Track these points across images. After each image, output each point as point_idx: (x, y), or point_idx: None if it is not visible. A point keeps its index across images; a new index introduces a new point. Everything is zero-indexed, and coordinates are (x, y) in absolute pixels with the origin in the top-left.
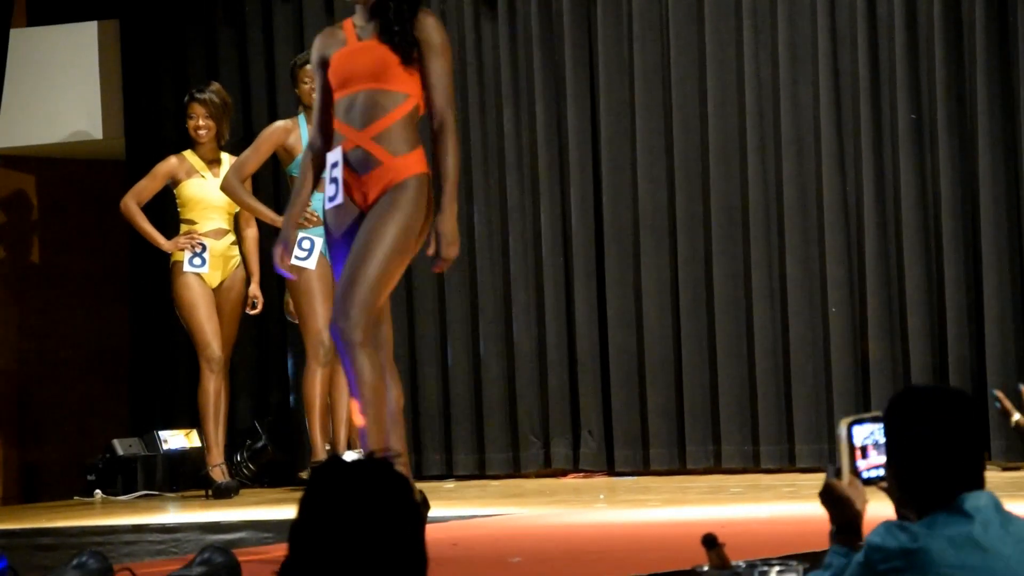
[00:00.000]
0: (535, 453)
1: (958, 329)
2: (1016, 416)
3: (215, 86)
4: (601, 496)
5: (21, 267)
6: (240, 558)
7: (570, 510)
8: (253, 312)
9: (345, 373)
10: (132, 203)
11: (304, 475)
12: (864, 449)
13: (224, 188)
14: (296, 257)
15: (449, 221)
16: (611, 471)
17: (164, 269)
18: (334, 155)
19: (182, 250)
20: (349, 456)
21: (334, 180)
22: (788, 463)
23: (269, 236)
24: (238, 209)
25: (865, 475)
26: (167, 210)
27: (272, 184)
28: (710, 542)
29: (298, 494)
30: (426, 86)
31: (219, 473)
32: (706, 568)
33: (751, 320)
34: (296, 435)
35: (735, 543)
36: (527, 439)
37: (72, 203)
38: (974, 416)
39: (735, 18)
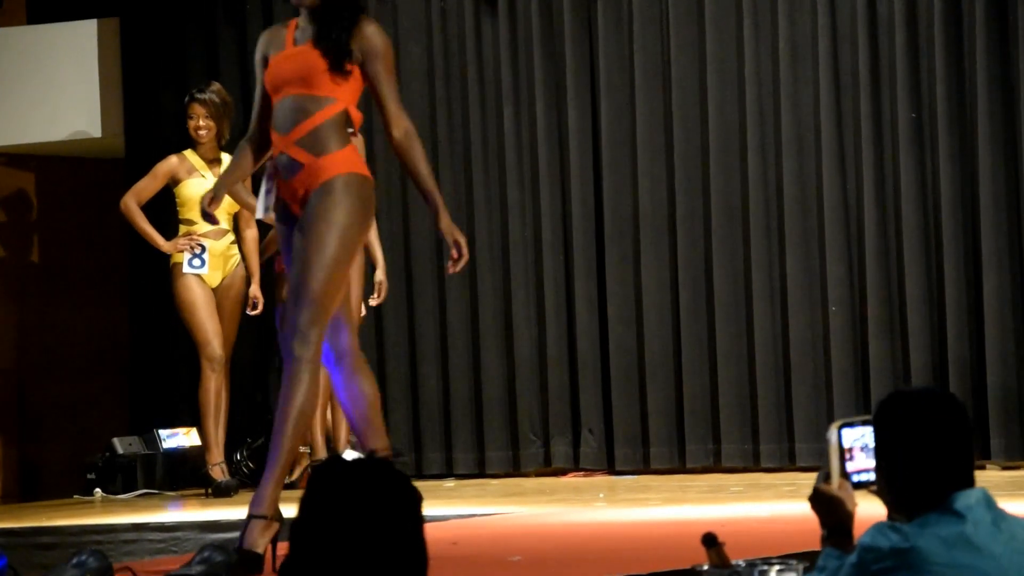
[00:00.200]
0: (535, 452)
1: (958, 329)
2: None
3: (215, 86)
4: (601, 495)
5: (21, 265)
6: None
7: (570, 509)
8: (254, 312)
9: (285, 378)
10: (132, 202)
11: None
12: (852, 451)
13: None
14: None
15: (442, 221)
16: (611, 470)
17: (164, 268)
18: (269, 165)
19: (181, 251)
20: (349, 455)
21: (266, 192)
22: (788, 462)
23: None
24: (238, 209)
25: (855, 479)
26: (166, 209)
27: None
28: (710, 541)
29: (299, 493)
30: (375, 95)
31: (219, 472)
32: (706, 567)
33: (751, 319)
34: None
35: (735, 542)
36: (527, 438)
37: (72, 202)
38: (963, 417)
39: (735, 17)
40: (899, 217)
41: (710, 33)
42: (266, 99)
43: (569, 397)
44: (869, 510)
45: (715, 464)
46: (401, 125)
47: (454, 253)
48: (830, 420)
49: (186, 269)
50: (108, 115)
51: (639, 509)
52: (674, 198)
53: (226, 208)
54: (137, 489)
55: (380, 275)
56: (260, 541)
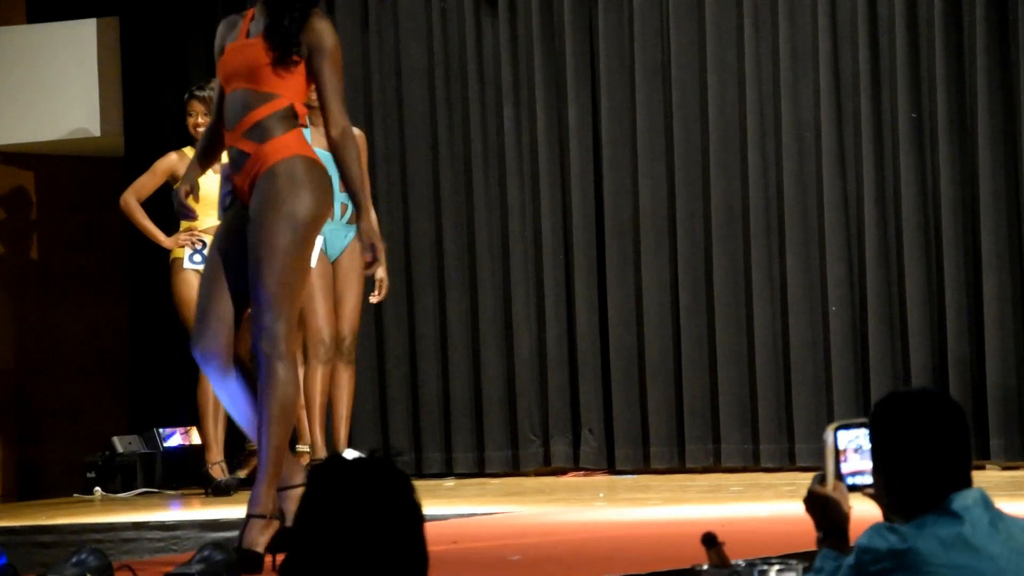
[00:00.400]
0: (534, 452)
1: (958, 329)
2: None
3: (215, 83)
4: (601, 495)
5: (20, 264)
6: None
7: (570, 509)
8: None
9: (261, 381)
10: (132, 199)
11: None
12: (846, 453)
13: None
14: None
15: (364, 224)
16: (611, 470)
17: (164, 266)
18: (224, 167)
19: (182, 247)
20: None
21: (225, 193)
22: (788, 462)
23: None
24: None
25: (849, 481)
26: (166, 209)
27: None
28: (710, 541)
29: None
30: (319, 92)
31: (218, 471)
32: (706, 567)
33: (751, 319)
34: (296, 433)
35: (735, 542)
36: (527, 438)
37: (71, 200)
38: (960, 418)
39: (735, 17)
40: (899, 217)
41: (710, 33)
42: (223, 89)
43: (569, 397)
44: (866, 512)
45: (715, 464)
46: (339, 124)
47: (367, 256)
48: (830, 420)
49: (187, 264)
50: (108, 114)
51: (639, 509)
52: (674, 198)
53: None
54: (137, 488)
55: (380, 273)
56: (260, 540)
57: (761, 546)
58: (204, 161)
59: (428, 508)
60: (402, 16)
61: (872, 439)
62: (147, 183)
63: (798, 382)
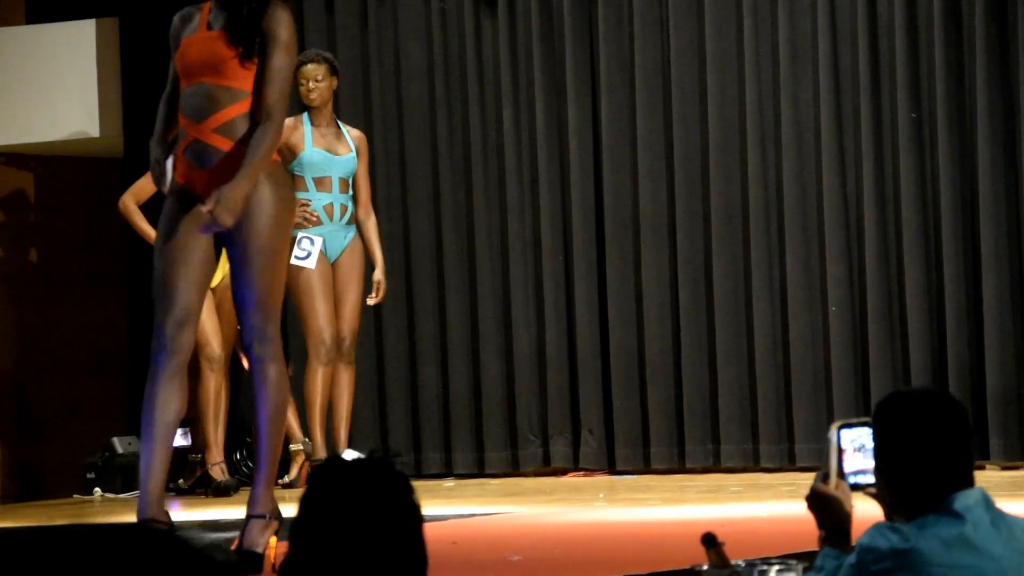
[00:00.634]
0: (534, 452)
1: (958, 329)
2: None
3: None
4: (601, 495)
5: (20, 265)
6: None
7: (570, 509)
8: None
9: (257, 385)
10: (130, 202)
11: (291, 476)
12: (848, 452)
13: None
14: (296, 257)
15: (236, 190)
16: (612, 470)
17: None
18: (170, 160)
19: None
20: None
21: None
22: (788, 462)
23: None
24: None
25: (851, 480)
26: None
27: None
28: (710, 541)
29: (298, 492)
30: (260, 78)
31: (218, 471)
32: (705, 567)
33: (751, 319)
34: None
35: (735, 542)
36: (526, 438)
37: (70, 201)
38: (962, 417)
39: (735, 17)
40: (899, 217)
41: (710, 33)
42: (177, 80)
43: (569, 397)
44: (868, 511)
45: (715, 464)
46: (268, 111)
47: (207, 206)
48: (830, 420)
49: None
50: (107, 115)
51: (639, 509)
52: (674, 198)
53: None
54: (136, 489)
55: (379, 275)
56: (260, 541)
57: (761, 546)
58: (164, 141)
59: (428, 508)
60: (402, 16)
61: (874, 438)
62: (146, 186)
63: (798, 382)
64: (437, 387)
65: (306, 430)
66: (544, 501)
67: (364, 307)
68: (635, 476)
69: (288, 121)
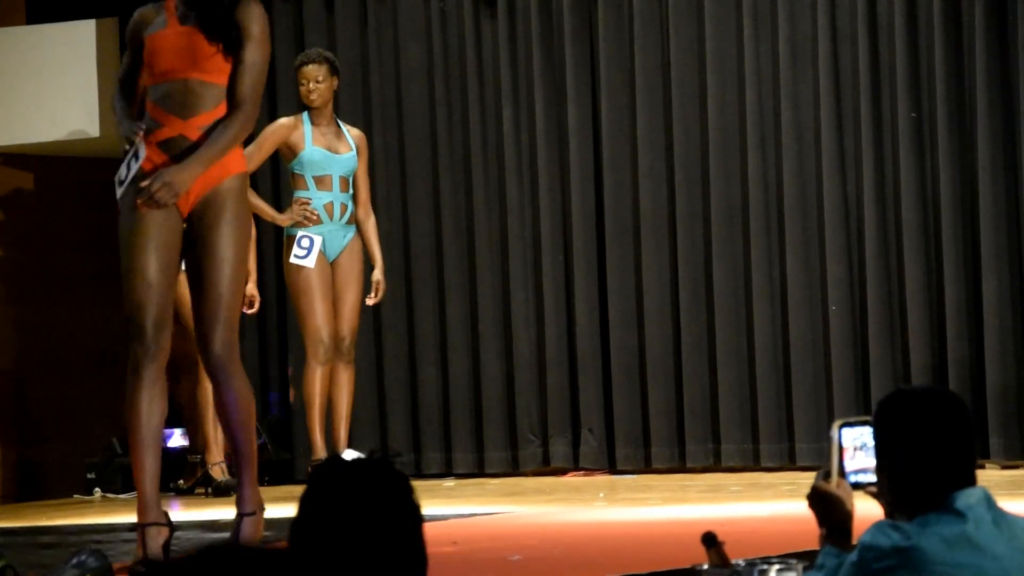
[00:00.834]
0: (534, 452)
1: (958, 329)
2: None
3: None
4: (601, 494)
5: (20, 265)
6: None
7: (570, 509)
8: (250, 312)
9: (226, 394)
10: None
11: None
12: (850, 451)
13: None
14: (295, 255)
15: (184, 172)
16: (612, 469)
17: None
18: (142, 148)
19: None
20: (349, 455)
21: (127, 164)
22: (788, 461)
23: (268, 234)
24: None
25: (852, 478)
26: None
27: (272, 182)
28: (710, 540)
29: (298, 492)
30: (233, 71)
31: (218, 471)
32: (706, 567)
33: (751, 319)
34: (296, 434)
35: (735, 541)
36: (526, 438)
37: (70, 201)
38: (964, 416)
39: (735, 17)
40: (899, 217)
41: (710, 33)
42: (133, 77)
43: (569, 397)
44: (869, 510)
45: (715, 464)
46: (239, 103)
47: (150, 185)
48: (830, 420)
49: (184, 265)
50: (107, 114)
51: (639, 509)
52: (674, 198)
53: None
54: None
55: (378, 275)
56: (254, 538)
57: (761, 546)
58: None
59: (428, 508)
60: (401, 16)
61: (876, 437)
62: None
63: (798, 382)
64: (437, 387)
65: (304, 431)
66: (544, 501)
67: (364, 307)
68: (635, 476)
69: (289, 120)
